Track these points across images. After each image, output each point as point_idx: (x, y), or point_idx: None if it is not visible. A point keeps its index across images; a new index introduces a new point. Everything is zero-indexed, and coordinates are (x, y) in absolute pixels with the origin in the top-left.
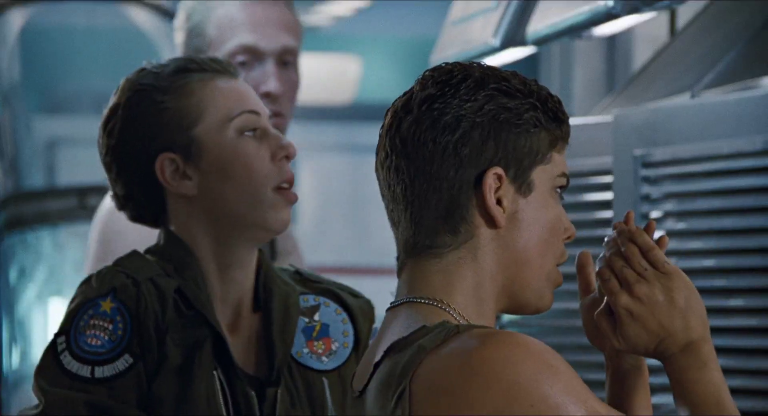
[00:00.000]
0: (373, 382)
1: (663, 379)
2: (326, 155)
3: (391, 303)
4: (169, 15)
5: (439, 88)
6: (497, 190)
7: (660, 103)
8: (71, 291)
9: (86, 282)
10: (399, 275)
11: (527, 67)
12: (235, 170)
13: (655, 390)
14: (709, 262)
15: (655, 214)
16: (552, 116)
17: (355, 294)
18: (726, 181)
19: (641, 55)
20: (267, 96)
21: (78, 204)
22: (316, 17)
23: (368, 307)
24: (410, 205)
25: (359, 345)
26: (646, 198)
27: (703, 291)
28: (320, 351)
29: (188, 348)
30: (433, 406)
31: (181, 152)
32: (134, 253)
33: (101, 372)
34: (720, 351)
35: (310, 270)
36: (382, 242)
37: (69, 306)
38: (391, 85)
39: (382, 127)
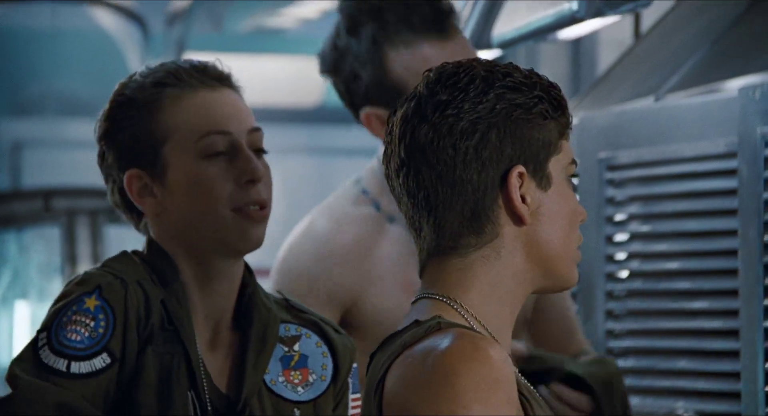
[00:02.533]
0: (369, 372)
1: (641, 382)
2: (293, 158)
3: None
4: (134, 17)
5: (449, 92)
6: (520, 187)
7: (624, 106)
8: (36, 294)
9: (74, 280)
10: (421, 275)
11: None
12: (196, 193)
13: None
14: (673, 265)
15: (619, 217)
16: (556, 104)
17: (338, 330)
18: (690, 183)
19: (606, 58)
20: None
21: (43, 206)
22: (282, 19)
23: (350, 344)
24: (434, 211)
25: (337, 379)
26: (611, 201)
27: (668, 294)
28: (296, 381)
29: (166, 364)
30: (396, 399)
31: (149, 169)
32: (123, 254)
33: (77, 367)
34: (684, 353)
35: (298, 301)
36: None
37: (54, 303)
38: None
39: (390, 133)
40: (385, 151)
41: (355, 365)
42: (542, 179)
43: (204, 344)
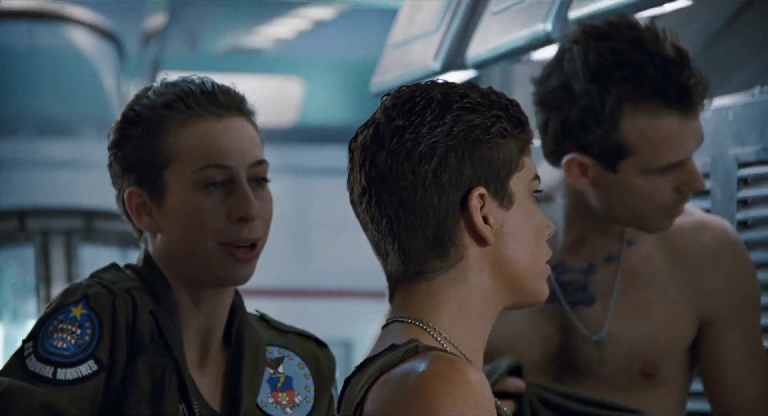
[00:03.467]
0: (345, 397)
1: None
2: (269, 177)
3: (382, 325)
4: (109, 36)
5: (405, 117)
6: (482, 208)
7: None
8: (10, 315)
9: (63, 291)
10: (390, 301)
11: None
12: (188, 222)
13: None
14: None
15: None
16: (516, 122)
17: (319, 342)
18: None
19: None
20: None
21: (18, 226)
22: (258, 39)
23: (332, 357)
24: (398, 237)
25: (319, 398)
26: None
27: None
28: (284, 402)
29: (157, 376)
30: None
31: (148, 189)
32: (112, 266)
33: (63, 374)
34: None
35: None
36: (324, 264)
37: (43, 313)
38: (334, 106)
39: (351, 160)
40: (348, 178)
41: (338, 375)
42: (504, 198)
43: (193, 363)
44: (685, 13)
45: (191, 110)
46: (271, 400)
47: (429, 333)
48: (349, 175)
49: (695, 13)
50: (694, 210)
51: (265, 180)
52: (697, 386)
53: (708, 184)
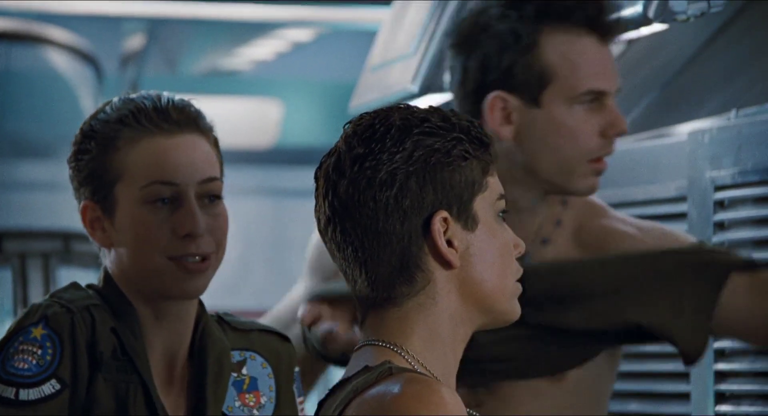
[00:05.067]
0: None
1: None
2: (247, 199)
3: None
4: (87, 58)
5: (365, 145)
6: (445, 231)
7: None
8: None
9: (23, 313)
10: (361, 327)
11: None
12: (136, 237)
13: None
14: None
15: None
16: (478, 143)
17: (281, 335)
18: None
19: None
20: None
21: None
22: (237, 61)
23: (291, 351)
24: (364, 265)
25: (280, 394)
26: None
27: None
28: (251, 403)
29: (121, 393)
30: None
31: (101, 204)
32: (72, 285)
33: (26, 394)
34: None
35: (231, 314)
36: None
37: (4, 335)
38: (312, 128)
39: (316, 190)
40: (314, 206)
41: (297, 369)
42: (468, 220)
43: (160, 381)
44: (661, 36)
45: (142, 126)
46: (237, 403)
47: (401, 355)
48: (315, 205)
49: (671, 37)
50: (631, 221)
51: (217, 197)
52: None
53: (684, 207)
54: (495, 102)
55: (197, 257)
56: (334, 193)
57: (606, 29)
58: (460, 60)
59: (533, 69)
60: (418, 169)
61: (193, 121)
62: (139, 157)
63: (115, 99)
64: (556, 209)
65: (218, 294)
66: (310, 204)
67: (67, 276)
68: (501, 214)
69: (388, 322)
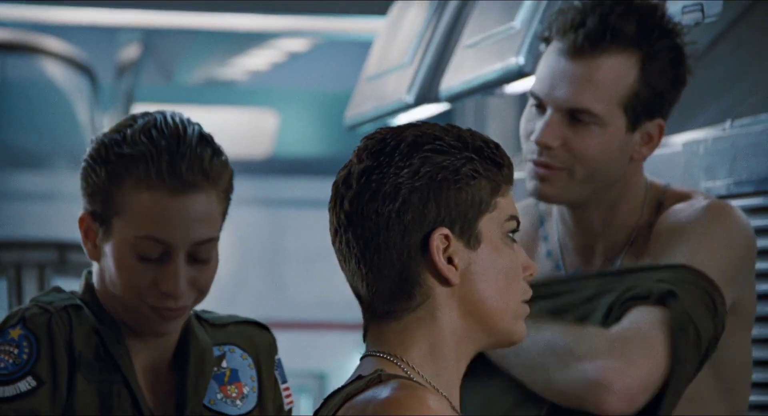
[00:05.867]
0: None
1: None
2: (243, 209)
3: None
4: (82, 68)
5: (374, 158)
6: (446, 249)
7: None
8: None
9: (6, 317)
10: (364, 338)
11: (441, 123)
12: (121, 276)
13: None
14: None
15: None
16: (491, 162)
17: (260, 325)
18: None
19: None
20: None
21: None
22: (232, 71)
23: (270, 340)
24: (365, 277)
25: (262, 383)
26: None
27: None
28: (234, 394)
29: (105, 392)
30: None
31: (99, 222)
32: (54, 289)
33: (2, 392)
34: None
35: (207, 311)
36: (299, 296)
37: None
38: (308, 138)
39: (329, 202)
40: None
41: (277, 357)
42: (471, 238)
43: (145, 382)
44: None
45: (149, 178)
46: (220, 396)
47: (400, 366)
48: (329, 217)
49: None
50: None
51: (207, 261)
52: None
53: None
54: None
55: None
56: (341, 205)
57: (577, 47)
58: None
59: None
60: (422, 185)
61: (204, 177)
62: (139, 205)
63: (140, 121)
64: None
65: (214, 305)
66: (306, 214)
67: (62, 286)
68: (511, 234)
69: (388, 335)
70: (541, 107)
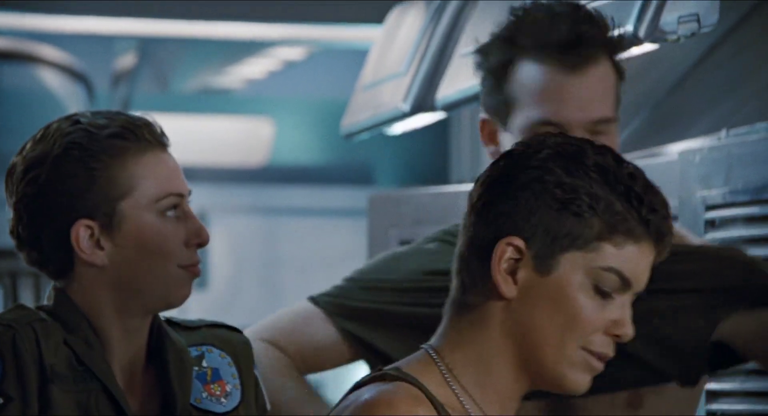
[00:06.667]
0: None
1: None
2: (239, 217)
3: None
4: (78, 77)
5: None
6: (517, 260)
7: None
8: None
9: None
10: None
11: (438, 132)
12: (149, 248)
13: None
14: None
15: None
16: (630, 208)
17: (231, 328)
18: None
19: None
20: None
21: None
22: (228, 79)
23: (245, 340)
24: (455, 261)
25: (243, 381)
26: None
27: None
28: (218, 392)
29: (83, 403)
30: None
31: (101, 221)
32: (18, 306)
33: None
34: None
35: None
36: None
37: None
38: (304, 147)
39: None
40: None
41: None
42: (543, 264)
43: (123, 386)
44: (652, 57)
45: (143, 139)
46: (204, 395)
47: (437, 364)
48: None
49: (661, 57)
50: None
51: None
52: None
53: (676, 227)
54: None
55: (195, 264)
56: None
57: (572, 60)
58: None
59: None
60: (528, 194)
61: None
62: (149, 171)
63: (74, 116)
64: None
65: (210, 313)
66: (301, 222)
67: None
68: (606, 289)
69: (447, 329)
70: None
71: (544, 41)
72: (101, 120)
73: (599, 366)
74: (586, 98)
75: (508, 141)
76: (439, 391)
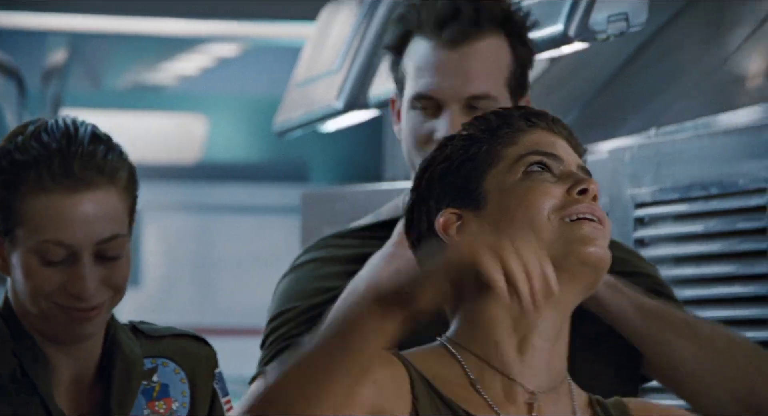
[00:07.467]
0: None
1: None
2: (171, 215)
3: None
4: (10, 73)
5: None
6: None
7: None
8: None
9: None
10: None
11: (371, 129)
12: (23, 281)
13: None
14: None
15: None
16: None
17: (198, 338)
18: None
19: None
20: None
21: None
22: (161, 76)
23: (208, 353)
24: None
25: (195, 399)
26: None
27: None
28: (162, 410)
29: (20, 414)
30: None
31: (4, 235)
32: None
33: None
34: None
35: (146, 322)
36: (228, 302)
37: None
38: (237, 144)
39: None
40: None
41: (217, 371)
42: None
43: (68, 399)
44: (583, 55)
45: (41, 181)
46: (147, 412)
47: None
48: None
49: (592, 56)
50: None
51: (117, 258)
52: None
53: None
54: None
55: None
56: None
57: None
58: None
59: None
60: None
61: (99, 174)
62: (36, 211)
63: (31, 127)
64: None
65: (142, 312)
66: (235, 219)
67: None
68: (536, 169)
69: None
70: (428, 108)
71: (426, 17)
72: (34, 140)
73: (595, 229)
74: (461, 73)
75: (404, 118)
76: (439, 367)
